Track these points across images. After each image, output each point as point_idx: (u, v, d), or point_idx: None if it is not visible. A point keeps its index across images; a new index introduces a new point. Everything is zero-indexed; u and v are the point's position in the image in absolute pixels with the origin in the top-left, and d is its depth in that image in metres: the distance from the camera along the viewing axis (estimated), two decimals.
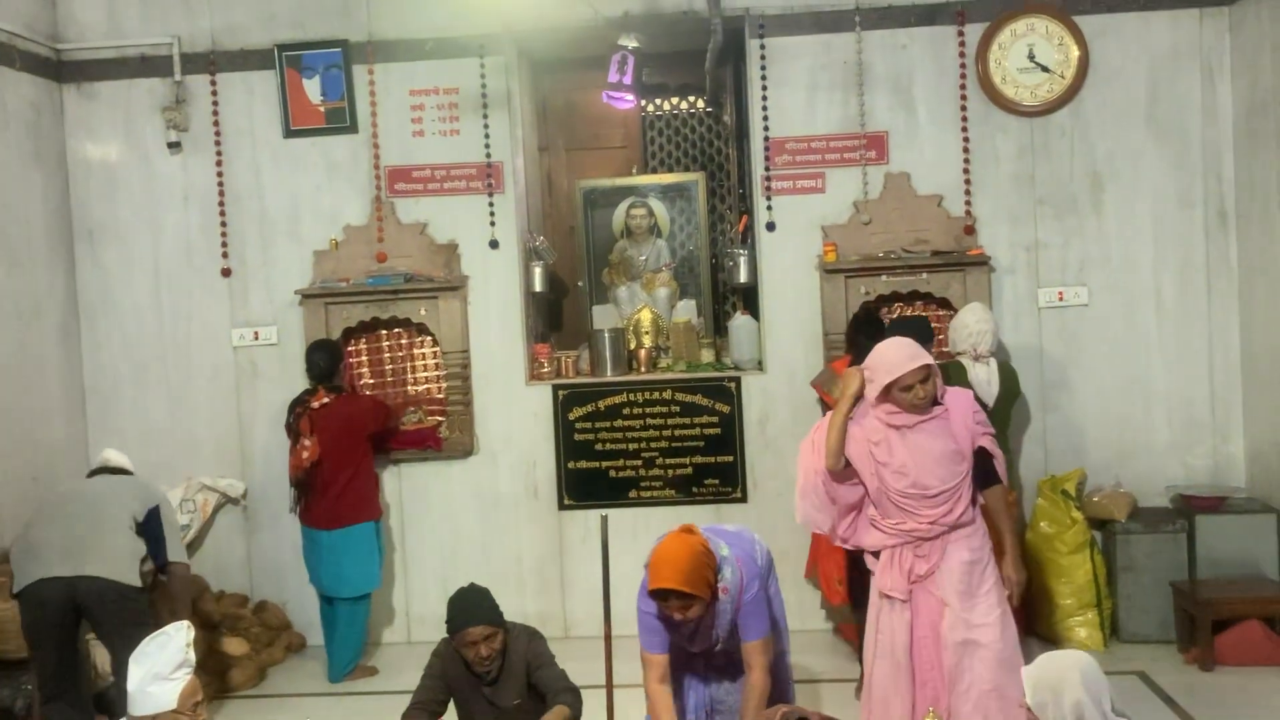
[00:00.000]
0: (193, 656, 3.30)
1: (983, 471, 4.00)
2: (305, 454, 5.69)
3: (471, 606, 3.84)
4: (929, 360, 3.87)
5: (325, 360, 5.83)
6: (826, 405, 5.81)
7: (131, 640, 4.26)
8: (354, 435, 5.79)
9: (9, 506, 5.79)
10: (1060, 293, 6.12)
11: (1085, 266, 6.13)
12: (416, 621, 6.38)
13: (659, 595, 3.44)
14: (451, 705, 4.00)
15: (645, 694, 3.66)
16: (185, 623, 3.36)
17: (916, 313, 6.24)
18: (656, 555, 3.47)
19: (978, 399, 5.37)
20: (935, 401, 3.92)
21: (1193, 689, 5.07)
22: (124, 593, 4.61)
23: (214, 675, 5.50)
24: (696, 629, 3.60)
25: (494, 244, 6.36)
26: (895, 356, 3.89)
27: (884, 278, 6.09)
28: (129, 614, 4.51)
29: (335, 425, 5.74)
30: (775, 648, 3.88)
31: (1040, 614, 5.75)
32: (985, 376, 5.43)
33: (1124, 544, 5.72)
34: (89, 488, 4.94)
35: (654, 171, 7.67)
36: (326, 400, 5.77)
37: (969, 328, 5.47)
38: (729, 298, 7.34)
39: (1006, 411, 5.59)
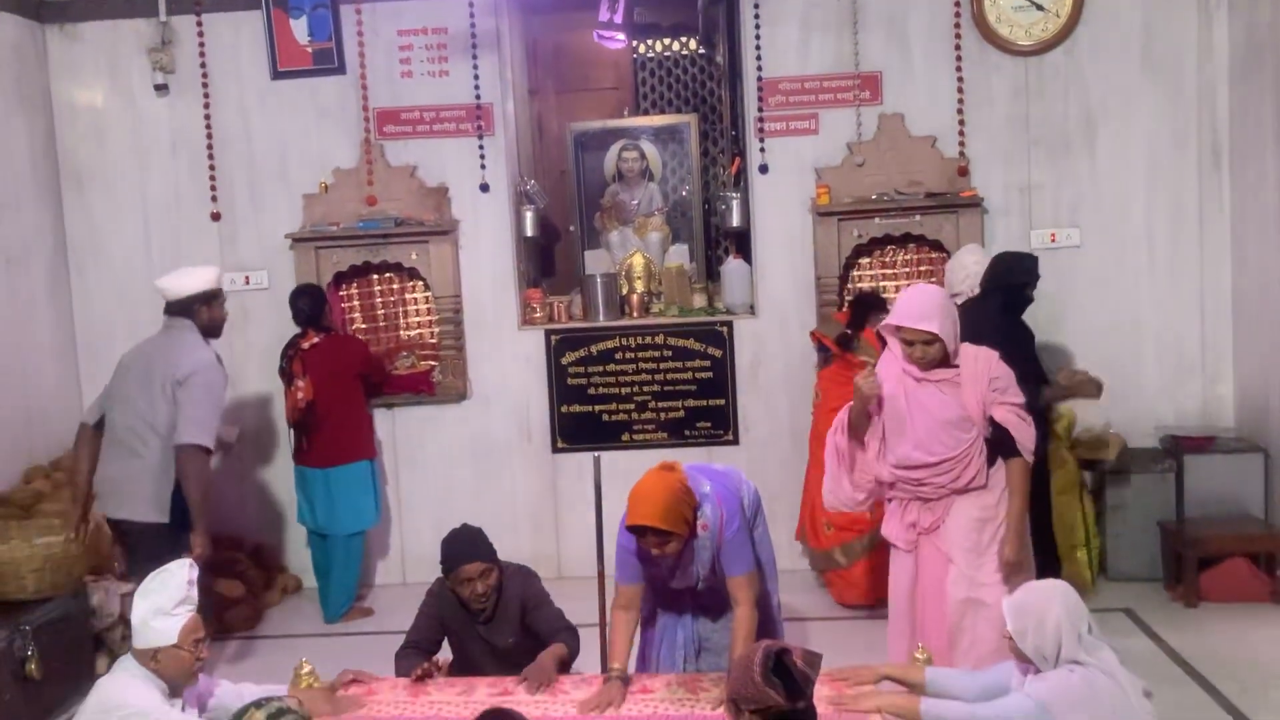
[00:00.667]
0: (195, 594, 3.35)
1: (999, 441, 3.84)
2: (300, 395, 5.72)
3: (466, 544, 3.87)
4: (935, 329, 3.72)
5: (308, 304, 5.84)
6: (825, 348, 5.84)
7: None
8: (344, 374, 5.82)
9: (3, 452, 5.82)
10: (1053, 234, 6.11)
11: (1078, 208, 6.12)
12: (412, 563, 6.43)
13: (636, 531, 3.48)
14: (446, 645, 4.05)
15: (611, 614, 3.76)
16: (188, 561, 3.41)
17: (907, 255, 6.26)
18: (635, 492, 3.49)
19: None
20: (947, 364, 3.81)
21: (1178, 625, 5.16)
22: (146, 531, 4.65)
23: (209, 616, 5.54)
24: (676, 565, 3.64)
25: (484, 187, 6.32)
26: (908, 307, 3.80)
27: (877, 220, 6.08)
28: (153, 551, 4.46)
29: (326, 365, 5.76)
30: (761, 587, 3.91)
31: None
32: None
33: (1113, 484, 5.78)
34: (123, 394, 4.80)
35: (646, 113, 7.61)
36: (316, 340, 5.79)
37: (967, 269, 5.47)
38: (721, 242, 7.32)
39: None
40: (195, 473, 4.63)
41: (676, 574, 3.70)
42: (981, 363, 3.82)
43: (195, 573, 3.38)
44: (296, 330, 5.91)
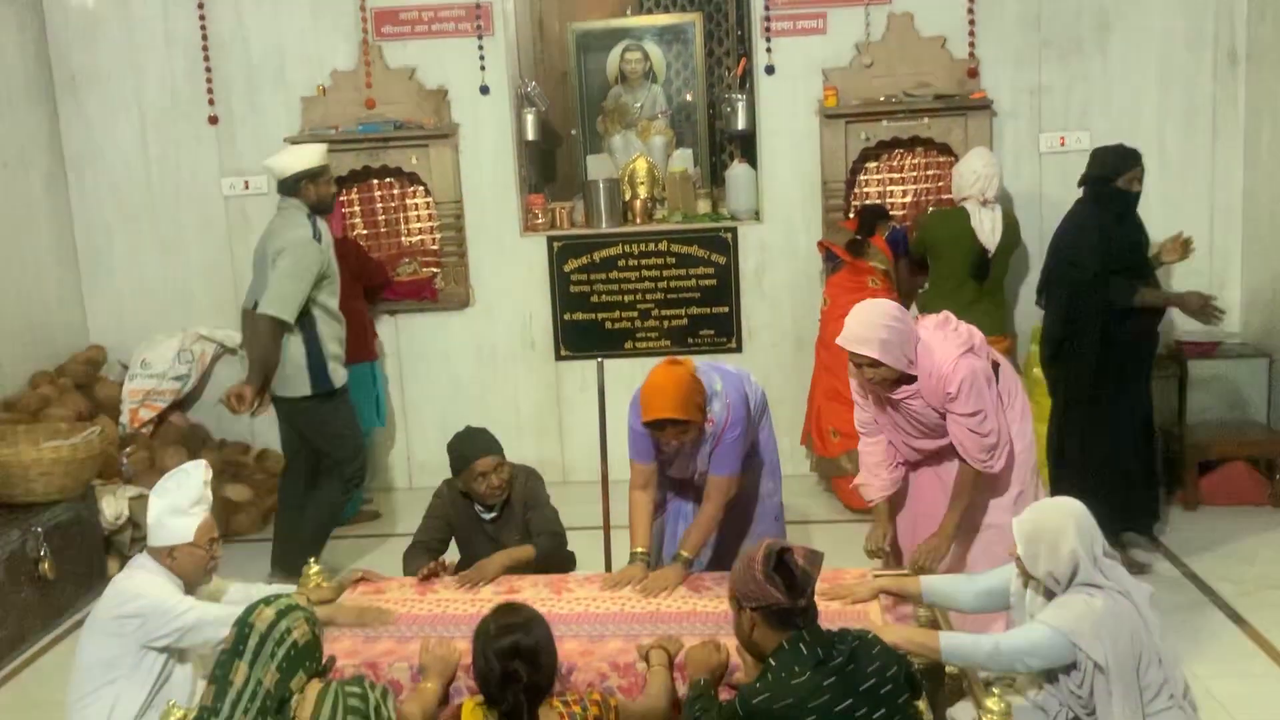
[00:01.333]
0: (209, 494, 3.39)
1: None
2: None
3: (478, 440, 3.92)
4: (875, 354, 3.48)
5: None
6: (834, 255, 5.80)
7: (320, 444, 4.78)
8: (344, 276, 5.77)
9: (7, 358, 5.85)
10: (1062, 138, 6.03)
11: (1088, 110, 6.02)
12: (418, 468, 6.50)
13: (654, 426, 3.50)
14: (453, 546, 4.10)
15: (629, 496, 3.78)
16: (203, 462, 3.45)
17: (915, 159, 6.19)
18: (647, 388, 3.51)
19: (981, 244, 5.40)
20: (902, 381, 3.59)
21: (1178, 527, 5.22)
22: (294, 406, 4.85)
23: (217, 520, 5.61)
24: (676, 454, 3.70)
25: (484, 90, 6.22)
26: (850, 328, 3.54)
27: (884, 123, 5.99)
28: (304, 422, 4.68)
29: None
30: (764, 487, 3.96)
31: None
32: (990, 224, 5.40)
33: None
34: (254, 277, 4.97)
35: (649, 13, 7.43)
36: None
37: (976, 172, 5.40)
38: (726, 146, 7.22)
39: (1005, 260, 5.58)
40: (265, 339, 4.75)
41: (675, 463, 3.75)
42: (935, 379, 3.56)
43: (210, 474, 3.42)
44: None
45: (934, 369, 3.55)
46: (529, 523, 3.93)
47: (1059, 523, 3.08)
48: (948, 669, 3.49)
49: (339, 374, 4.91)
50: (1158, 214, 6.00)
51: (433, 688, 2.95)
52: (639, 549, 3.66)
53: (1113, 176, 4.77)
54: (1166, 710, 3.06)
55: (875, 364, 3.51)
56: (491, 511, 3.95)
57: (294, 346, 4.76)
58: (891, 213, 6.03)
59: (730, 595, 2.68)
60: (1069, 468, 4.87)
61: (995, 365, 3.75)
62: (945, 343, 3.60)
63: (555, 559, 3.97)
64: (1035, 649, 2.99)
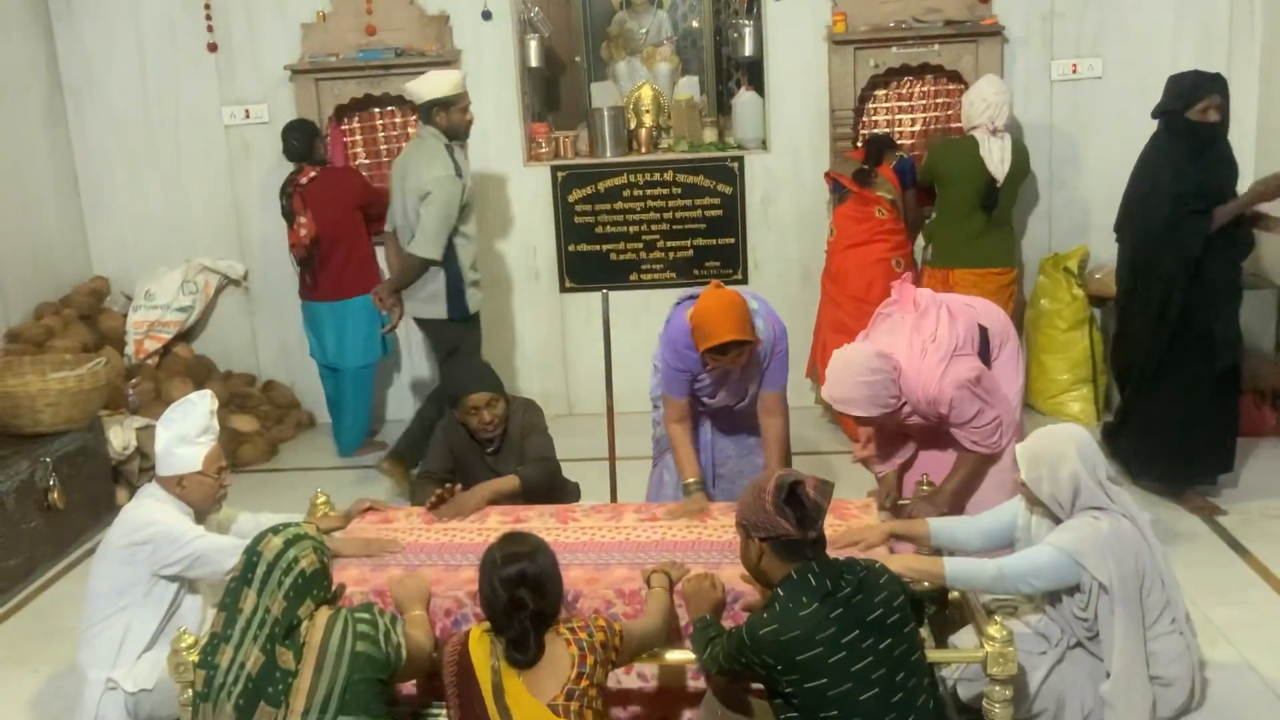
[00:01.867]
0: (216, 424, 3.41)
1: None
2: (303, 231, 5.69)
3: (472, 375, 3.92)
4: (859, 413, 3.54)
5: (299, 138, 5.73)
6: (841, 186, 5.75)
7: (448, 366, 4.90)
8: (344, 207, 5.76)
9: (11, 289, 5.84)
10: (1074, 65, 5.93)
11: (1101, 37, 5.91)
12: (422, 399, 6.51)
13: (717, 351, 3.46)
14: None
15: (667, 434, 3.82)
16: (209, 392, 3.47)
17: (924, 87, 6.10)
18: (704, 314, 3.47)
19: (990, 174, 5.35)
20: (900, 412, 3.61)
21: None
22: (436, 326, 5.17)
23: (225, 451, 5.66)
24: (724, 380, 3.69)
25: (486, 15, 6.12)
26: (832, 386, 3.57)
27: (894, 50, 5.90)
28: (435, 343, 4.87)
29: (325, 199, 5.71)
30: None
31: (1036, 389, 5.86)
32: (999, 153, 5.34)
33: None
34: (394, 202, 5.20)
35: None
36: (313, 175, 5.72)
37: (986, 99, 5.33)
38: (733, 74, 7.12)
39: (1014, 191, 5.52)
40: (411, 271, 5.04)
41: (725, 388, 3.74)
42: (925, 403, 3.57)
43: (216, 404, 3.43)
44: (293, 167, 5.84)
45: (922, 395, 3.55)
46: (524, 449, 3.93)
47: (1060, 446, 3.11)
48: (950, 596, 3.54)
49: (475, 299, 5.15)
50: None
51: (421, 614, 2.99)
52: (691, 479, 3.62)
53: (1182, 107, 4.46)
54: (1168, 635, 3.11)
55: (863, 420, 3.59)
56: (490, 444, 3.95)
57: (434, 274, 5.00)
58: (899, 142, 5.96)
59: (738, 523, 2.68)
60: (1131, 424, 4.79)
61: (984, 330, 3.72)
62: (926, 363, 3.57)
63: (551, 488, 3.98)
64: (1040, 570, 3.02)
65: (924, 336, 3.62)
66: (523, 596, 2.57)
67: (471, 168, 6.23)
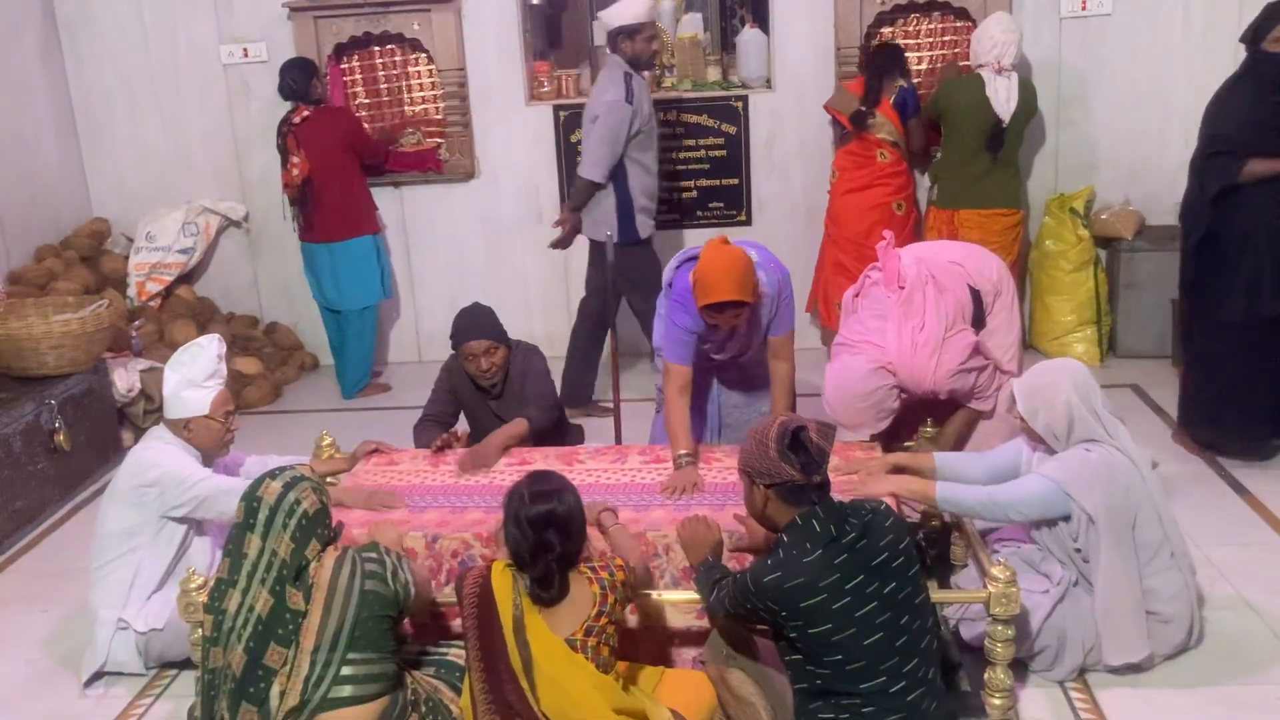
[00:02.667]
0: (224, 368, 3.42)
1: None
2: (295, 170, 5.67)
3: (472, 322, 3.89)
4: (878, 429, 3.59)
5: (295, 77, 5.66)
6: (841, 125, 5.68)
7: (621, 288, 4.94)
8: (338, 147, 5.71)
9: (11, 229, 5.81)
10: (1083, 2, 5.83)
11: None
12: (426, 341, 6.52)
13: (717, 309, 3.43)
14: (464, 418, 4.14)
15: (664, 401, 3.75)
16: (216, 336, 3.47)
17: (932, 25, 6.01)
18: (705, 270, 3.42)
19: (995, 114, 5.29)
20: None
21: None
22: (600, 250, 5.10)
23: (229, 393, 5.68)
24: (731, 336, 3.67)
25: None
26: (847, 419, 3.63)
27: None
28: (619, 268, 4.70)
29: (319, 139, 5.67)
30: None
31: (1040, 330, 5.86)
32: (1005, 92, 5.27)
33: (1128, 261, 5.74)
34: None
35: None
36: (306, 114, 5.67)
37: (994, 38, 5.25)
38: (737, 11, 7.01)
39: (1020, 131, 5.47)
40: (577, 194, 5.19)
41: (730, 344, 3.72)
42: (930, 394, 3.61)
43: (224, 348, 3.43)
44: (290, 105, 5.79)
45: (919, 388, 3.59)
46: (524, 392, 3.93)
47: (1054, 378, 3.16)
48: (954, 537, 3.58)
49: (646, 226, 5.17)
50: (1180, 83, 5.89)
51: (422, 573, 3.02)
52: (683, 451, 3.54)
53: (1256, 36, 4.18)
54: (1166, 571, 3.14)
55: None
56: (493, 389, 3.95)
57: (605, 197, 5.08)
58: (907, 56, 5.77)
59: (741, 470, 2.68)
60: (1192, 373, 4.64)
61: (975, 291, 3.69)
62: (917, 359, 3.55)
63: (555, 430, 3.99)
64: (1028, 499, 3.07)
65: (912, 325, 3.58)
66: (550, 538, 2.58)
67: (473, 106, 6.19)
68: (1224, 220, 4.28)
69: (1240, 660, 3.23)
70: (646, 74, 5.32)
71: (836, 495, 2.65)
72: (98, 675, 3.42)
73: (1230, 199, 4.25)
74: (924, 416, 3.80)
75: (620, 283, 4.89)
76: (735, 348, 3.76)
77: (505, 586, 2.63)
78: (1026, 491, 3.09)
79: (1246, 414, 4.44)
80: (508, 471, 3.56)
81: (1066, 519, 3.10)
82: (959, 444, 3.77)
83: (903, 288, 3.62)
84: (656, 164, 5.22)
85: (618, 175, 5.06)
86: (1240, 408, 4.43)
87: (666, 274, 3.78)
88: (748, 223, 6.24)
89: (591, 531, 2.80)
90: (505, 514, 2.66)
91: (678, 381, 3.63)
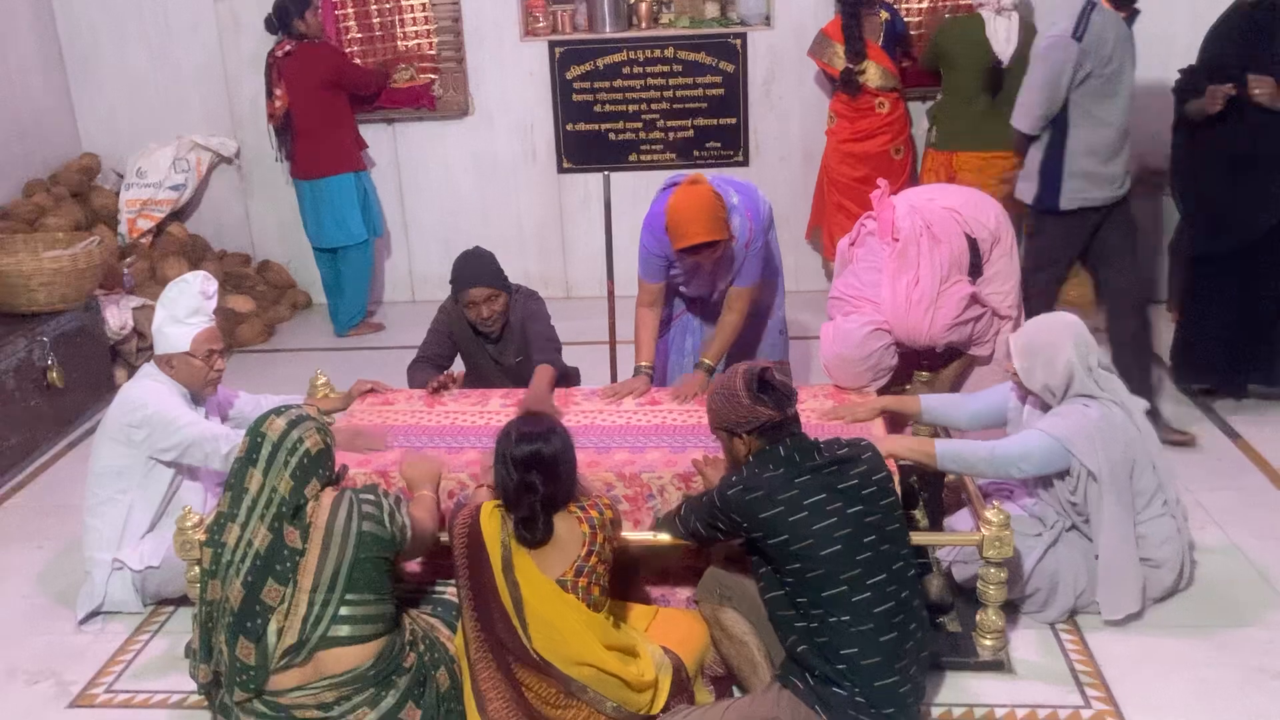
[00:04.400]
0: (208, 305, 3.38)
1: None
2: (278, 104, 5.64)
3: (474, 269, 3.84)
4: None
5: (277, 12, 5.62)
6: (828, 74, 5.61)
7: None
8: (319, 83, 5.66)
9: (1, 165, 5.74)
10: None
11: None
12: (419, 281, 6.48)
13: (689, 252, 3.48)
14: (459, 359, 4.12)
15: (635, 312, 3.84)
16: (204, 273, 3.43)
17: None
18: (674, 215, 3.45)
19: (995, 55, 5.22)
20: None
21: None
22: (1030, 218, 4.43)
23: (221, 332, 5.65)
24: (696, 272, 3.69)
25: None
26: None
27: None
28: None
29: (300, 74, 5.63)
30: (768, 300, 3.96)
31: None
32: (1004, 33, 5.20)
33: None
34: None
35: None
36: (289, 49, 5.61)
37: None
38: None
39: (1020, 70, 5.38)
40: (1017, 145, 4.36)
41: (694, 281, 3.75)
42: (927, 348, 3.63)
43: (213, 286, 3.39)
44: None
45: (915, 344, 3.59)
46: (528, 336, 3.91)
47: (1055, 337, 3.13)
48: (946, 479, 3.59)
49: (1075, 197, 4.15)
50: (1183, 20, 5.79)
51: (429, 495, 3.01)
52: (643, 363, 3.73)
53: None
54: (1158, 518, 3.16)
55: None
56: (492, 334, 3.93)
57: (1033, 150, 4.25)
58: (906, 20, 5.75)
59: (717, 429, 2.74)
60: (1175, 312, 4.72)
61: (972, 240, 3.65)
62: (911, 316, 3.56)
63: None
64: (1030, 455, 3.07)
65: (906, 280, 3.57)
66: (533, 480, 2.58)
67: (466, 42, 6.08)
68: (1188, 156, 4.37)
69: (1229, 604, 3.26)
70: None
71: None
72: (94, 613, 3.44)
73: (1189, 134, 4.34)
74: (921, 362, 3.81)
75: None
76: (703, 287, 3.78)
77: (494, 527, 2.64)
78: (1028, 448, 3.08)
79: (1224, 352, 4.49)
80: (503, 412, 3.55)
81: (1064, 474, 3.10)
82: (955, 388, 3.77)
83: (897, 240, 3.59)
84: (1123, 117, 4.11)
85: (1055, 127, 4.15)
86: (1219, 345, 4.48)
87: (654, 198, 3.82)
88: (745, 163, 6.19)
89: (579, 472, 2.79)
90: (495, 451, 2.67)
91: (646, 298, 3.79)
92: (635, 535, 3.01)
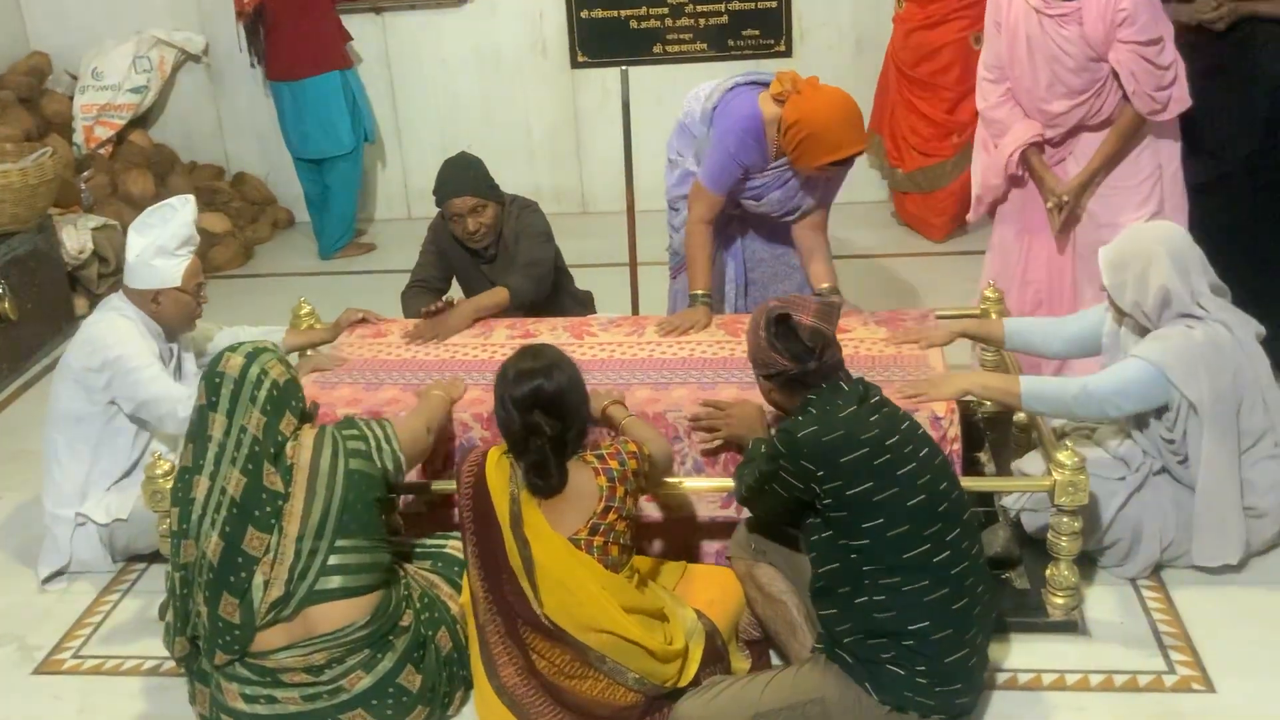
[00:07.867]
0: (197, 235, 3.40)
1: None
2: None
3: (456, 175, 3.82)
4: None
5: None
6: None
7: None
8: None
9: None
10: None
11: None
12: (415, 196, 6.49)
13: (844, 163, 3.48)
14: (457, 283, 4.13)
15: (688, 230, 3.76)
16: (190, 197, 3.43)
17: None
18: (827, 121, 3.41)
19: None
20: None
21: None
22: None
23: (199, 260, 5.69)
24: (811, 186, 3.69)
25: None
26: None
27: None
28: None
29: None
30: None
31: None
32: None
33: None
34: None
35: None
36: None
37: None
38: None
39: None
40: None
41: (775, 194, 3.71)
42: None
43: (196, 213, 3.41)
44: None
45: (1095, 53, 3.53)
46: (514, 258, 3.89)
47: (1148, 248, 3.07)
48: (1015, 419, 3.58)
49: None
50: None
51: (440, 395, 3.05)
52: (700, 290, 3.63)
53: None
54: (1265, 460, 3.12)
55: None
56: (485, 251, 3.92)
57: None
58: None
59: (749, 359, 2.72)
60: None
61: None
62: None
63: (548, 297, 3.96)
64: (1127, 387, 3.01)
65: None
66: (538, 421, 2.58)
67: None
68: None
69: None
70: None
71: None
72: (58, 573, 3.50)
73: None
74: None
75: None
76: (779, 205, 3.72)
77: (501, 477, 2.65)
78: (1124, 379, 3.02)
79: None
80: (508, 345, 3.56)
81: (1162, 411, 3.07)
82: (1109, 163, 3.74)
83: None
84: None
85: None
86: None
87: (715, 96, 3.81)
88: (788, 54, 6.06)
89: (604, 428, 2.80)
90: (494, 393, 2.68)
91: (707, 211, 3.69)
92: (697, 484, 3.05)
